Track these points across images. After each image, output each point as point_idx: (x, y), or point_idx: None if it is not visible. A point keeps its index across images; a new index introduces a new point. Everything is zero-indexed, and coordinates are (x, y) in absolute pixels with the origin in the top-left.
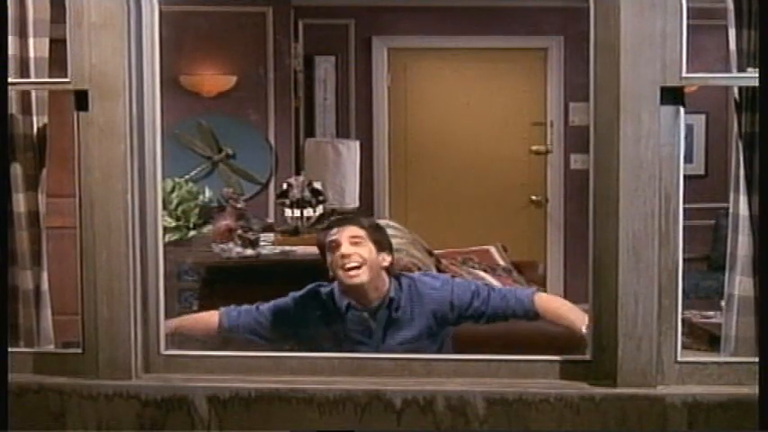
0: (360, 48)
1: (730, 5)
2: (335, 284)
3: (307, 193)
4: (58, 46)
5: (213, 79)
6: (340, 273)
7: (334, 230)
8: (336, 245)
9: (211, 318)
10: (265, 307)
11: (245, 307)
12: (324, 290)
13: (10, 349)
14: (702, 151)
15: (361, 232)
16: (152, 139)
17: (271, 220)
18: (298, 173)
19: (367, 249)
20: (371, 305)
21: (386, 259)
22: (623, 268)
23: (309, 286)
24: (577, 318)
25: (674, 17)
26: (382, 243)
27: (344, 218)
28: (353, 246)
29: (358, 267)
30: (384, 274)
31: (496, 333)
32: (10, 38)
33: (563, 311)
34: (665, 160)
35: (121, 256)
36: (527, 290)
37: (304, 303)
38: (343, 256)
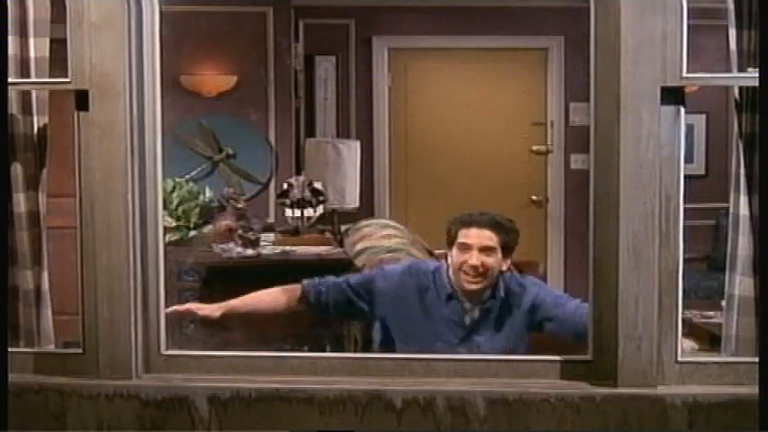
0: (360, 48)
1: (730, 5)
2: (443, 267)
3: (307, 193)
4: (58, 46)
5: (213, 79)
6: (461, 275)
7: (471, 231)
8: (467, 248)
9: (291, 293)
10: (355, 281)
11: (330, 280)
12: (425, 267)
13: (10, 349)
14: (703, 151)
15: (495, 240)
16: (152, 139)
17: (271, 220)
18: (298, 173)
19: (495, 259)
20: (474, 302)
21: (506, 263)
22: (623, 268)
23: (406, 262)
24: None
25: (674, 17)
26: (509, 247)
27: (482, 214)
28: (483, 255)
29: (480, 275)
30: (498, 276)
31: None
32: (10, 38)
33: None
34: (666, 160)
35: (122, 256)
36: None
37: (403, 279)
38: (471, 266)
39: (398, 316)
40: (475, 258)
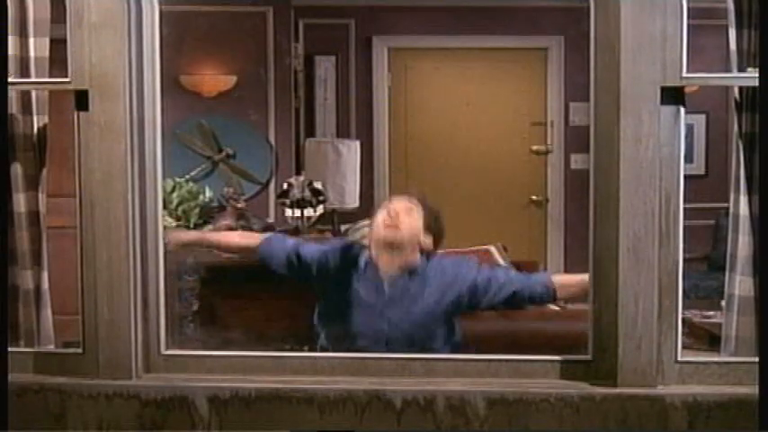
0: (360, 48)
1: (730, 5)
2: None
3: (307, 193)
4: (58, 46)
5: (213, 79)
6: (379, 228)
7: (394, 200)
8: (387, 207)
9: (251, 241)
10: (304, 250)
11: (283, 240)
12: (357, 248)
13: (10, 349)
14: (702, 151)
15: (416, 209)
16: (152, 139)
17: (271, 219)
18: (298, 173)
19: (414, 220)
20: (392, 272)
21: (426, 242)
22: (623, 268)
23: (349, 241)
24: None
25: (674, 17)
26: (431, 227)
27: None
28: (404, 213)
29: (397, 227)
30: (417, 253)
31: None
32: (10, 38)
33: (578, 279)
34: (666, 160)
35: (121, 256)
36: (542, 273)
37: (336, 254)
38: (389, 215)
39: (327, 287)
40: (393, 207)
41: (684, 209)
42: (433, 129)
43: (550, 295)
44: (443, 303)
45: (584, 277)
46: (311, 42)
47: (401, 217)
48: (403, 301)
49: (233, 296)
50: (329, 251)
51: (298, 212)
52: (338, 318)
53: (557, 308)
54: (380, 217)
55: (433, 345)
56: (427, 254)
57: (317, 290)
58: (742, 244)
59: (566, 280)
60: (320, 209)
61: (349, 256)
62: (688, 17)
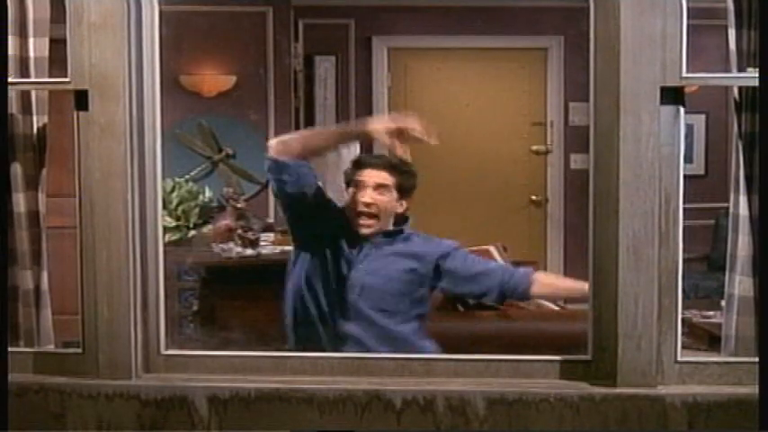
0: (360, 48)
1: (730, 5)
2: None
3: None
4: (58, 46)
5: (213, 79)
6: (354, 216)
7: (365, 171)
8: (361, 186)
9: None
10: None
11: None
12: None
13: (10, 349)
14: (702, 151)
15: (389, 180)
16: (152, 139)
17: (271, 219)
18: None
19: (388, 198)
20: (367, 238)
21: (402, 206)
22: (623, 268)
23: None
24: (573, 284)
25: (674, 17)
26: (405, 188)
27: (377, 157)
28: (377, 193)
29: (372, 219)
30: (392, 219)
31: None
32: (10, 38)
33: (558, 282)
34: (665, 160)
35: (121, 256)
36: (525, 271)
37: (332, 207)
38: (363, 204)
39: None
40: (368, 196)
41: (684, 209)
42: (433, 128)
43: (526, 286)
44: (410, 273)
45: (566, 282)
46: (311, 42)
47: (373, 195)
48: (373, 265)
49: (233, 296)
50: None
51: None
52: (325, 278)
53: (556, 308)
54: (353, 191)
55: (399, 315)
56: (402, 216)
57: (313, 243)
58: (742, 244)
59: (547, 278)
60: None
61: (340, 216)
62: (688, 17)
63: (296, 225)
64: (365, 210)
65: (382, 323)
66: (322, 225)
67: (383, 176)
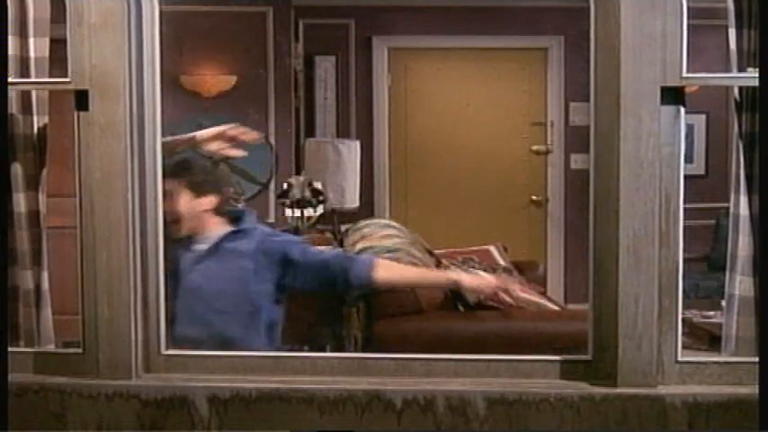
0: (360, 48)
1: (730, 5)
2: None
3: (307, 193)
4: (58, 46)
5: (213, 79)
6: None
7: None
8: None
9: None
10: None
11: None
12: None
13: (10, 349)
14: (702, 151)
15: (172, 183)
16: (152, 139)
17: (271, 219)
18: (298, 173)
19: (180, 201)
20: (197, 245)
21: (212, 202)
22: (623, 268)
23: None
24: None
25: (674, 17)
26: (202, 186)
27: (168, 161)
28: (167, 201)
29: (175, 222)
30: (210, 217)
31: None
32: (10, 38)
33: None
34: (666, 160)
35: (121, 256)
36: (367, 257)
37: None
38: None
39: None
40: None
41: (684, 209)
42: (433, 129)
43: (369, 271)
44: (247, 271)
45: (410, 269)
46: (311, 42)
47: (165, 204)
48: (212, 263)
49: None
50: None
51: (298, 212)
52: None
53: (556, 308)
54: None
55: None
56: (220, 213)
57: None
58: (742, 244)
59: (390, 264)
60: (320, 209)
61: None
62: (688, 17)
63: None
64: (168, 218)
65: (220, 327)
66: None
67: (167, 183)
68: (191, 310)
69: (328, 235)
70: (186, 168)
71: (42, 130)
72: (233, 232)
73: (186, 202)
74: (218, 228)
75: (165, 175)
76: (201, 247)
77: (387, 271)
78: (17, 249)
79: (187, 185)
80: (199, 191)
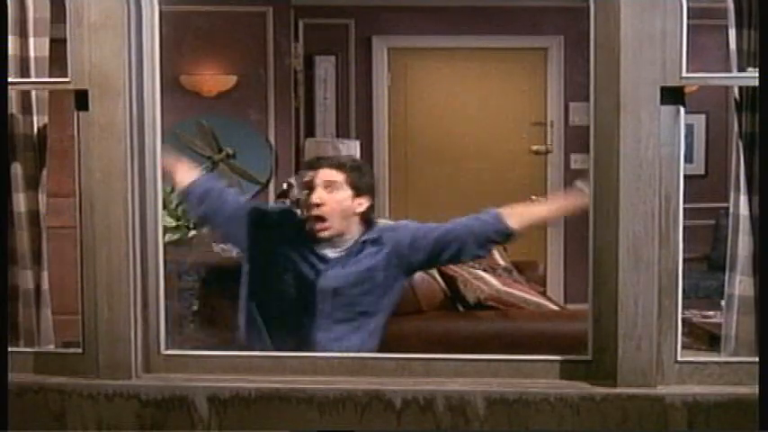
0: (360, 48)
1: (730, 5)
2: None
3: None
4: (58, 46)
5: (213, 79)
6: (309, 222)
7: (311, 172)
8: (310, 187)
9: (190, 174)
10: (236, 200)
11: (217, 185)
12: (274, 208)
13: (10, 349)
14: (702, 151)
15: (338, 176)
16: (152, 139)
17: None
18: (298, 172)
19: (341, 196)
20: (335, 249)
21: (362, 204)
22: (623, 268)
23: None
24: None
25: (674, 17)
26: (361, 186)
27: (324, 157)
28: (327, 191)
29: (325, 220)
30: (356, 221)
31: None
32: (10, 38)
33: (531, 208)
34: (665, 160)
35: (121, 256)
36: (490, 211)
37: (278, 217)
38: (314, 205)
39: (261, 249)
40: (317, 194)
41: (684, 209)
42: (433, 129)
43: (503, 224)
44: (383, 262)
45: (538, 207)
46: (311, 42)
47: (322, 195)
48: (343, 270)
49: (233, 296)
50: (274, 211)
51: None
52: (272, 289)
53: (556, 307)
54: (306, 194)
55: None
56: (367, 217)
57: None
58: (742, 244)
59: (515, 209)
60: None
61: (285, 221)
62: (688, 17)
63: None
64: (316, 212)
65: (362, 325)
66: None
67: (332, 174)
68: (322, 313)
69: None
70: (355, 167)
71: (42, 130)
72: (371, 241)
73: (345, 199)
74: (357, 232)
75: (323, 166)
76: (335, 250)
77: (519, 218)
78: (17, 249)
79: (349, 183)
80: (359, 190)
